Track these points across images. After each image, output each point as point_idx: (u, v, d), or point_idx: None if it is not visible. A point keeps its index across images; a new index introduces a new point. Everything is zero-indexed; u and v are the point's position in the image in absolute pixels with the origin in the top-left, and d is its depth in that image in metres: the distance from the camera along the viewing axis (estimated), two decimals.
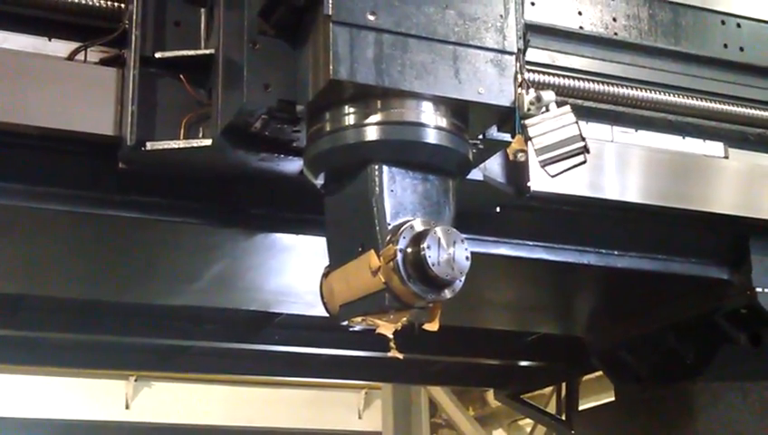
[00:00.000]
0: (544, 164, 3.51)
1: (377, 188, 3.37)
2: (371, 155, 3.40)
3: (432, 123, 3.41)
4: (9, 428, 11.94)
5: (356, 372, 8.04)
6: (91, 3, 3.92)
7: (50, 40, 3.90)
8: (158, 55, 3.80)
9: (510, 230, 4.73)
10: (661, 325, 5.97)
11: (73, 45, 3.90)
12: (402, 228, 3.29)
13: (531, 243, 4.83)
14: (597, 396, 8.20)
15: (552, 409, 8.45)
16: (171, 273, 5.16)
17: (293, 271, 5.08)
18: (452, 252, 3.24)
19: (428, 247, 3.21)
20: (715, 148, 5.04)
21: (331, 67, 3.22)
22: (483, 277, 4.87)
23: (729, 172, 5.04)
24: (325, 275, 3.58)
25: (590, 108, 4.68)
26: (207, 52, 3.78)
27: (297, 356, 7.26)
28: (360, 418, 13.54)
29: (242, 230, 4.43)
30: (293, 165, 3.78)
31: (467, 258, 3.27)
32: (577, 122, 3.51)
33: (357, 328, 3.54)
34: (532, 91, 3.49)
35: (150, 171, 3.85)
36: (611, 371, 6.69)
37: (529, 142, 3.52)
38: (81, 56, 3.90)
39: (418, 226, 3.30)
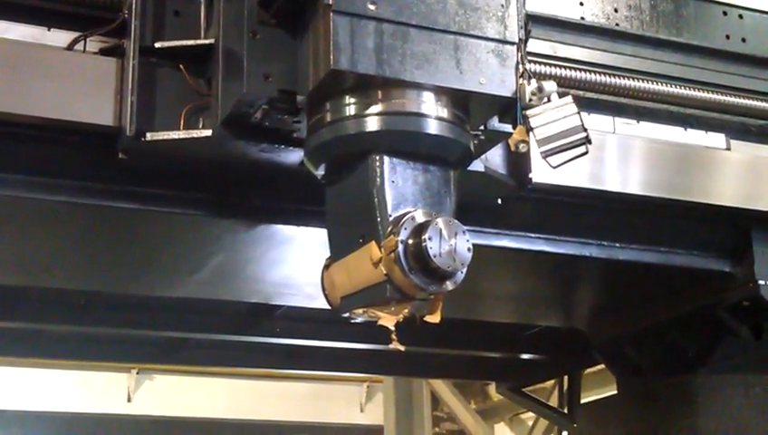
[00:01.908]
0: (546, 155, 3.50)
1: (378, 179, 3.36)
2: (372, 145, 3.39)
3: (433, 114, 3.40)
4: (11, 421, 11.97)
5: (357, 365, 8.05)
6: None
7: (49, 30, 3.89)
8: (157, 45, 3.78)
9: (511, 222, 4.72)
10: (663, 318, 5.96)
11: (73, 35, 3.89)
12: (403, 219, 3.27)
13: (532, 235, 4.82)
14: (599, 389, 8.19)
15: (554, 402, 8.45)
16: (171, 264, 5.15)
17: (294, 263, 5.07)
18: (453, 243, 3.23)
19: (430, 239, 3.19)
20: (717, 139, 5.02)
21: (331, 57, 3.20)
22: (484, 269, 4.85)
23: (731, 164, 5.03)
24: (326, 266, 3.57)
25: (592, 99, 4.67)
26: (207, 42, 3.77)
27: (298, 349, 7.26)
28: (361, 411, 13.57)
29: (242, 221, 4.42)
30: (294, 156, 3.76)
31: (469, 250, 3.26)
32: (579, 113, 3.50)
33: (358, 320, 3.53)
34: (533, 81, 3.48)
35: (150, 162, 3.84)
36: (613, 364, 6.68)
37: (530, 133, 3.51)
38: (80, 46, 3.89)
39: (420, 217, 3.29)
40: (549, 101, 3.48)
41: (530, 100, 3.46)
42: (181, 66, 3.79)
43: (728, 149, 5.04)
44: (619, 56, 4.82)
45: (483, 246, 4.43)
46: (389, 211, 3.33)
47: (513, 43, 3.48)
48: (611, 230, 4.96)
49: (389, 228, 3.29)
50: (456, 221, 3.29)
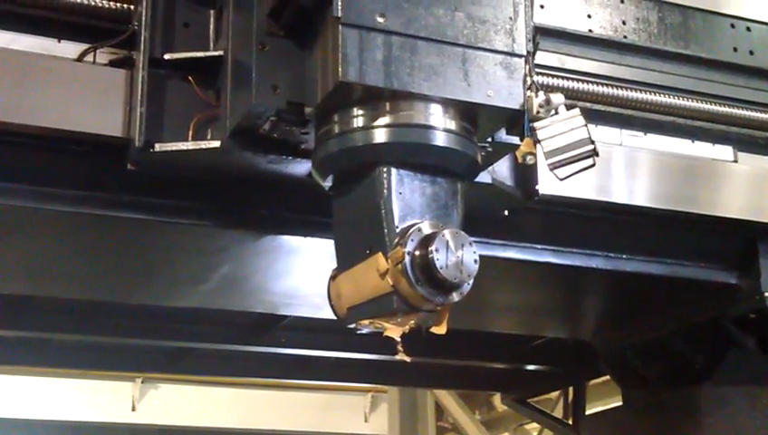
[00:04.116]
0: (553, 167, 3.50)
1: (385, 191, 3.37)
2: (380, 157, 3.39)
3: (441, 126, 3.40)
4: (15, 429, 11.95)
5: (362, 375, 8.05)
6: (100, 4, 3.92)
7: (59, 41, 3.90)
8: (167, 57, 3.79)
9: (518, 233, 4.72)
10: (669, 330, 5.96)
11: (83, 47, 3.90)
12: (410, 231, 3.27)
13: (539, 246, 4.82)
14: (604, 400, 8.18)
15: (558, 413, 8.43)
16: (178, 274, 5.15)
17: (300, 273, 5.07)
18: (460, 255, 3.23)
19: (437, 250, 3.20)
20: (724, 151, 5.02)
21: (340, 69, 3.21)
22: (491, 281, 4.86)
23: (738, 176, 5.03)
24: (333, 277, 3.57)
25: (600, 111, 4.67)
26: (216, 53, 3.77)
27: (304, 359, 7.27)
28: (366, 421, 13.53)
29: (249, 232, 4.42)
30: (302, 167, 3.77)
31: (475, 261, 3.26)
32: (586, 125, 3.50)
33: (364, 331, 3.53)
34: (541, 93, 3.48)
35: (158, 173, 3.84)
36: (618, 375, 6.67)
37: (538, 145, 3.51)
38: (90, 57, 3.90)
39: (426, 228, 3.29)
40: (556, 113, 3.48)
41: (537, 112, 3.46)
42: (190, 77, 3.80)
43: (735, 161, 5.04)
44: (627, 68, 4.82)
45: (489, 258, 4.44)
46: (396, 222, 3.33)
47: (520, 56, 3.48)
48: (618, 242, 4.96)
49: (396, 240, 3.29)
50: (463, 233, 3.29)
